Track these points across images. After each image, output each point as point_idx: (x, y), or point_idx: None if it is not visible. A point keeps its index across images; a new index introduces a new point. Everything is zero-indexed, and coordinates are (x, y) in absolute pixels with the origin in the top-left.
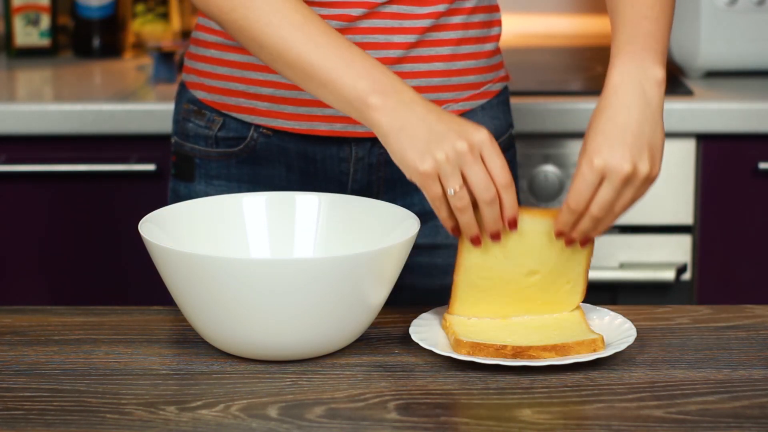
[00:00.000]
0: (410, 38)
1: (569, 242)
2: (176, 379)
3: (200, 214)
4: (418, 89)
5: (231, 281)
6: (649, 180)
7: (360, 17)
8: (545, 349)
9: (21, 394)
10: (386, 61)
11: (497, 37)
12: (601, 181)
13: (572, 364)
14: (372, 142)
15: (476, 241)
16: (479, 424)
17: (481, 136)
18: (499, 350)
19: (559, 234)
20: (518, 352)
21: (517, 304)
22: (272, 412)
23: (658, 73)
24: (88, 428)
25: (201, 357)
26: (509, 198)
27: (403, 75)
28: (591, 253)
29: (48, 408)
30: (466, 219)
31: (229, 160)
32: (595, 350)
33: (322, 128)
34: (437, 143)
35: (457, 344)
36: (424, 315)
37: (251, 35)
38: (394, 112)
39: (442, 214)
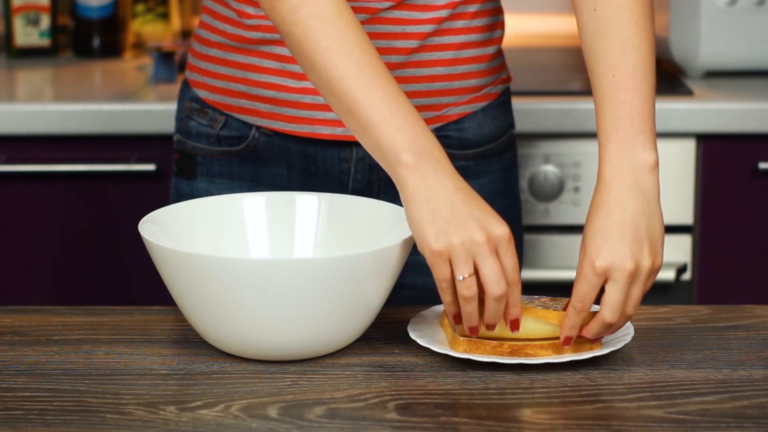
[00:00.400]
0: (412, 43)
1: (566, 341)
2: (176, 379)
3: (200, 214)
4: (418, 94)
5: (231, 281)
6: (653, 272)
7: (362, 23)
8: (542, 347)
9: (21, 394)
10: (388, 66)
11: (500, 40)
12: (604, 282)
13: (572, 364)
14: None
15: (474, 331)
16: (479, 424)
17: (501, 231)
18: (496, 348)
19: (567, 340)
20: (515, 350)
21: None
22: (272, 412)
23: (650, 158)
24: (88, 428)
25: (201, 357)
26: (515, 297)
27: (404, 79)
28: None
29: (48, 408)
30: (470, 309)
31: (231, 159)
32: (591, 349)
33: (323, 132)
34: (456, 227)
35: (454, 342)
36: (422, 313)
37: (307, 54)
38: (423, 178)
39: (446, 297)
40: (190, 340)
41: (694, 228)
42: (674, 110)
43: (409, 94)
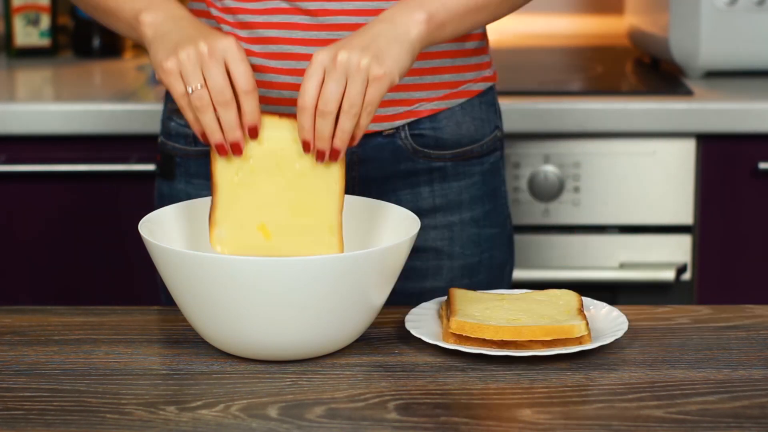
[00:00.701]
0: None
1: (319, 155)
2: (176, 379)
3: (200, 214)
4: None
5: (231, 281)
6: (373, 77)
7: (329, 12)
8: (532, 342)
9: (21, 394)
10: None
11: (480, 36)
12: (324, 77)
13: (572, 364)
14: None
15: (221, 149)
16: (479, 424)
17: (226, 42)
18: (485, 342)
19: (305, 143)
20: (503, 343)
21: (278, 224)
22: (272, 412)
23: (420, 15)
24: (88, 428)
25: (201, 357)
26: (250, 104)
27: None
28: (343, 182)
29: (48, 408)
30: (207, 120)
31: (207, 158)
32: (580, 343)
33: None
34: (183, 45)
35: (445, 334)
36: (424, 304)
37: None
38: (160, 25)
39: (189, 115)
40: (190, 340)
41: (694, 228)
42: (674, 110)
43: None
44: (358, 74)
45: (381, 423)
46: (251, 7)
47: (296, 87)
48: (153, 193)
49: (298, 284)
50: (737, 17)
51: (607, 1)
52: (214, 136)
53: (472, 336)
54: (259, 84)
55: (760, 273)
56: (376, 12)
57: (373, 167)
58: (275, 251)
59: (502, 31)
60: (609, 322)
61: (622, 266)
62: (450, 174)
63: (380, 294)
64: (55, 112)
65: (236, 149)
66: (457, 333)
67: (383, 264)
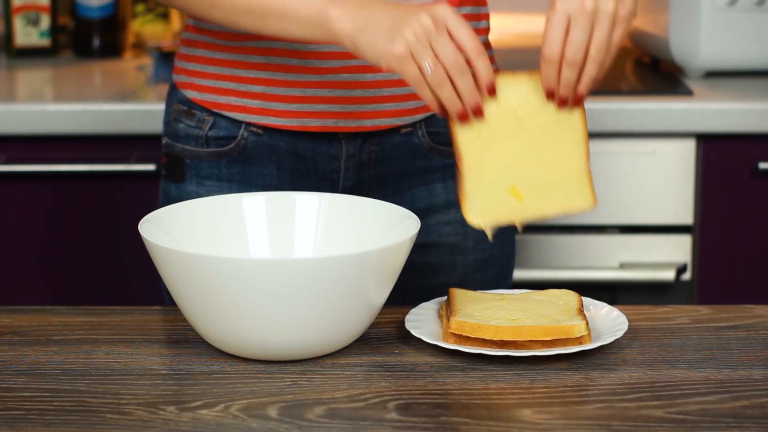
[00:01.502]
0: None
1: (561, 102)
2: (176, 379)
3: (200, 214)
4: (402, 82)
5: (231, 281)
6: (620, 20)
7: None
8: (532, 342)
9: (21, 394)
10: None
11: (485, 31)
12: (569, 25)
13: (572, 364)
14: (363, 140)
15: (463, 117)
16: (479, 424)
17: (442, 8)
18: (485, 342)
19: (548, 92)
20: (504, 343)
21: (529, 183)
22: (272, 412)
23: None
24: (88, 428)
25: (201, 357)
26: (482, 64)
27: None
28: (586, 130)
29: (48, 408)
30: (447, 94)
31: (220, 160)
32: (580, 343)
33: (313, 124)
34: (402, 25)
35: (445, 334)
36: (423, 305)
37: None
38: (355, 16)
39: (425, 94)
40: (190, 340)
41: (694, 228)
42: (674, 110)
43: (397, 83)
44: (606, 18)
45: (381, 423)
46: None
47: (320, 85)
48: (153, 193)
49: (298, 284)
50: (737, 17)
51: None
52: (455, 106)
53: (472, 336)
54: (281, 83)
55: (760, 273)
56: None
57: (391, 165)
58: (529, 212)
59: (502, 31)
60: (609, 322)
61: (622, 266)
62: None
63: (380, 294)
64: (55, 112)
65: (477, 112)
66: (457, 333)
67: (383, 264)
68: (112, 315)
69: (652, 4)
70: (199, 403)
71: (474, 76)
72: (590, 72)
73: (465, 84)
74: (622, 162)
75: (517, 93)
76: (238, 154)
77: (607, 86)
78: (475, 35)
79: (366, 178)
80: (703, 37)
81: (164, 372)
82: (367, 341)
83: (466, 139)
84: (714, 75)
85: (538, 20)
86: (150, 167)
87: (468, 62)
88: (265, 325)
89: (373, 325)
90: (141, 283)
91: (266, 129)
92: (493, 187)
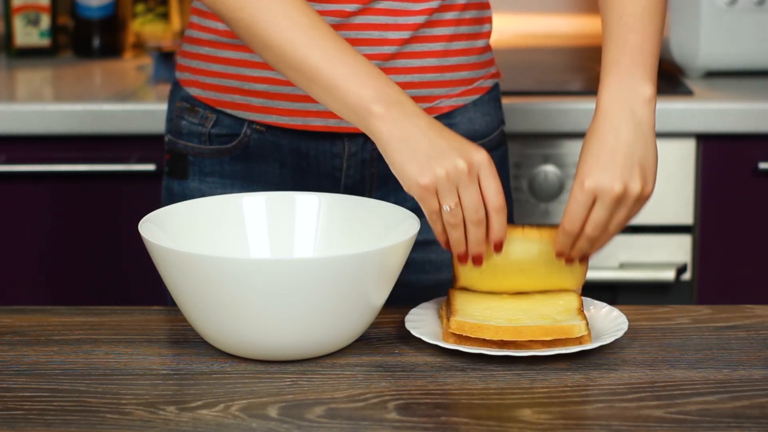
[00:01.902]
0: (404, 34)
1: (568, 261)
2: (176, 379)
3: (200, 214)
4: (411, 85)
5: (231, 281)
6: (642, 198)
7: (354, 13)
8: (532, 342)
9: (21, 394)
10: (380, 57)
11: (488, 34)
12: (593, 202)
13: (572, 364)
14: (365, 138)
15: (462, 258)
16: (479, 424)
17: (480, 157)
18: (485, 342)
19: (559, 254)
20: (504, 344)
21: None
22: (272, 412)
23: (647, 91)
24: (88, 428)
25: (201, 357)
26: (498, 221)
27: (395, 71)
28: (586, 269)
29: (48, 408)
30: (456, 235)
31: (223, 157)
32: (581, 343)
33: (316, 124)
34: (438, 159)
35: (445, 334)
36: (423, 304)
37: (257, 35)
38: (396, 123)
39: (437, 228)
40: (190, 340)
41: (694, 228)
42: (674, 110)
43: (401, 85)
44: (631, 200)
45: (381, 423)
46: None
47: (273, 81)
48: (153, 193)
49: (298, 284)
50: (737, 17)
51: None
52: (459, 248)
53: (472, 336)
54: (285, 82)
55: (760, 273)
56: (366, 1)
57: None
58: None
59: (502, 31)
60: (609, 322)
61: (622, 266)
62: None
63: (380, 294)
64: (55, 112)
65: (477, 260)
66: (457, 333)
67: (383, 264)
68: (112, 315)
69: None
70: (199, 403)
71: (487, 227)
72: (603, 242)
73: (476, 234)
74: None
75: (524, 248)
76: (241, 152)
77: None
78: (501, 192)
79: (368, 176)
80: (703, 37)
81: (164, 372)
82: (367, 341)
83: (466, 267)
84: (714, 75)
85: (538, 20)
86: (150, 167)
87: (486, 215)
88: (265, 325)
89: (373, 325)
90: (141, 283)
91: (269, 127)
92: (482, 310)
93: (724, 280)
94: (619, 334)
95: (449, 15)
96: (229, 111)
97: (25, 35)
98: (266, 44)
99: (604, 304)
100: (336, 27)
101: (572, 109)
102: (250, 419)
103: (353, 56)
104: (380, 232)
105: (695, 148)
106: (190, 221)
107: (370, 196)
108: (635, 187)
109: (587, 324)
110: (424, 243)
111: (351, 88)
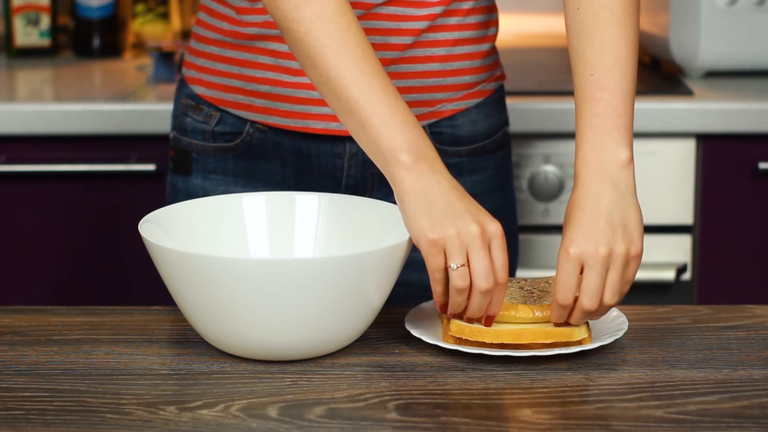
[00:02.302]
0: (407, 39)
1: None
2: (176, 379)
3: (200, 214)
4: (413, 89)
5: (231, 281)
6: (632, 258)
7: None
8: (532, 343)
9: (21, 394)
10: (383, 62)
11: (494, 38)
12: (581, 270)
13: (572, 364)
14: None
15: (445, 312)
16: (479, 424)
17: (495, 227)
18: (486, 343)
19: (557, 326)
20: (503, 344)
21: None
22: (272, 412)
23: (623, 155)
24: (88, 428)
25: (201, 357)
26: (499, 296)
27: (398, 75)
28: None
29: (48, 408)
30: (460, 300)
31: (226, 155)
32: (580, 343)
33: (317, 126)
34: (452, 219)
35: (444, 334)
36: (422, 305)
37: (308, 52)
38: (420, 176)
39: (438, 288)
40: (190, 340)
41: (694, 228)
42: (674, 110)
43: (403, 90)
44: (619, 261)
45: (381, 423)
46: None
47: (276, 82)
48: (153, 193)
49: (298, 284)
50: (737, 17)
51: None
52: (457, 311)
53: (471, 339)
54: (288, 84)
55: (760, 273)
56: (369, 6)
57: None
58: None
59: (503, 31)
60: (609, 322)
61: None
62: (465, 169)
63: (380, 294)
64: (55, 112)
65: (469, 321)
66: (456, 336)
67: (383, 264)
68: (112, 315)
69: (652, 4)
70: (199, 403)
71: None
72: (604, 312)
73: (481, 302)
74: None
75: (518, 322)
76: (244, 150)
77: None
78: (507, 266)
79: (369, 176)
80: (703, 37)
81: (164, 372)
82: (367, 341)
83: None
84: (714, 75)
85: (538, 20)
86: (150, 167)
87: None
88: (265, 325)
89: (373, 325)
90: (141, 283)
91: (271, 126)
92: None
93: (724, 280)
94: (619, 334)
95: (453, 20)
96: (231, 111)
97: (25, 35)
98: (314, 63)
99: None
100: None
101: (572, 109)
102: (250, 419)
103: (395, 99)
104: (380, 232)
105: (695, 148)
106: (190, 221)
107: (371, 195)
108: (620, 248)
109: (588, 326)
110: None
111: (384, 130)
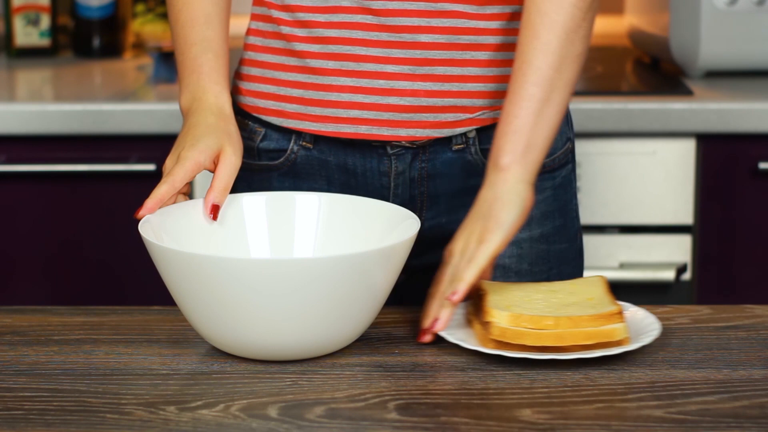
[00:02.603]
0: (440, 38)
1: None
2: (176, 379)
3: (200, 214)
4: (449, 94)
5: (231, 281)
6: (481, 252)
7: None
8: (573, 346)
9: (21, 394)
10: (416, 63)
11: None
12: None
13: (572, 364)
14: (412, 156)
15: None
16: (479, 424)
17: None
18: (525, 347)
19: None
20: (545, 348)
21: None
22: (272, 412)
23: (523, 188)
24: (88, 428)
25: (201, 357)
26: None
27: (433, 78)
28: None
29: (48, 408)
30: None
31: (271, 173)
32: (620, 344)
33: (347, 131)
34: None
35: (483, 339)
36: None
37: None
38: (187, 114)
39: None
40: (190, 340)
41: (694, 228)
42: (674, 110)
43: (440, 94)
44: (465, 256)
45: (381, 423)
46: (312, 4)
47: (355, 90)
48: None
49: (298, 284)
50: (737, 17)
51: (607, 1)
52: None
53: (513, 342)
54: (317, 87)
55: (760, 273)
56: (442, 14)
57: (443, 182)
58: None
59: None
60: (639, 322)
61: (622, 266)
62: None
63: (380, 294)
64: (55, 112)
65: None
66: (498, 340)
67: (383, 264)
68: (112, 315)
69: (652, 4)
70: (199, 403)
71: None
72: (455, 298)
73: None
74: (622, 162)
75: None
76: (288, 168)
77: (607, 86)
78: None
79: (417, 195)
80: (703, 37)
81: (164, 372)
82: (367, 341)
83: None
84: (714, 75)
85: None
86: (150, 167)
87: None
88: (265, 325)
89: (373, 325)
90: (141, 283)
91: (316, 142)
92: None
93: (724, 280)
94: (655, 333)
95: (495, 24)
96: (264, 118)
97: (25, 35)
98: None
99: (628, 304)
100: (371, 26)
101: (572, 109)
102: (250, 419)
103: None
104: (381, 232)
105: (695, 148)
106: (190, 221)
107: (420, 216)
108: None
109: (626, 326)
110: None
111: (186, 64)
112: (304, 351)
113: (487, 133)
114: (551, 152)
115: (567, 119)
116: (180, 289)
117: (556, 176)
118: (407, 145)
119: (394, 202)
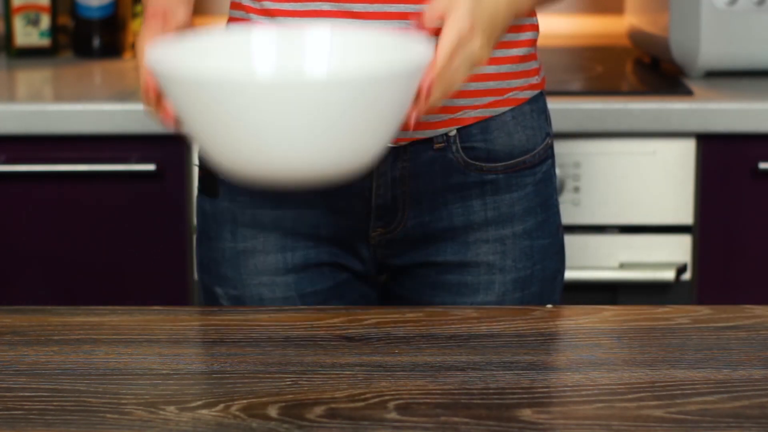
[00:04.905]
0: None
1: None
2: (176, 379)
3: (207, 47)
4: None
5: (249, 105)
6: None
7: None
8: None
9: (21, 394)
10: None
11: (529, 42)
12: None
13: (572, 364)
14: (393, 156)
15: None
16: (479, 424)
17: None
18: None
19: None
20: None
21: None
22: (272, 412)
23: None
24: (88, 428)
25: (201, 357)
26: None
27: None
28: None
29: (48, 408)
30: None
31: None
32: None
33: None
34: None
35: None
36: None
37: None
38: None
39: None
40: (190, 340)
41: (694, 228)
42: (674, 110)
43: None
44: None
45: (381, 423)
46: (292, 8)
47: None
48: (153, 193)
49: (315, 105)
50: (737, 17)
51: (607, 1)
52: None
53: None
54: None
55: (760, 273)
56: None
57: (424, 182)
58: None
59: None
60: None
61: (622, 266)
62: (502, 186)
63: (394, 117)
64: (55, 112)
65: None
66: None
67: (395, 87)
68: (112, 315)
69: (652, 4)
70: (199, 403)
71: None
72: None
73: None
74: (622, 162)
75: None
76: None
77: (607, 86)
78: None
79: (399, 195)
80: (703, 37)
81: (164, 372)
82: (367, 341)
83: None
84: (714, 75)
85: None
86: (150, 167)
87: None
88: (287, 144)
89: (374, 325)
90: (141, 283)
91: None
92: None
93: (724, 280)
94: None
95: None
96: None
97: (25, 35)
98: None
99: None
100: (334, 13)
101: (572, 109)
102: (250, 419)
103: None
104: (393, 62)
105: (695, 148)
106: (197, 55)
107: (402, 215)
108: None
109: None
110: (459, 265)
111: None
112: (321, 172)
113: (468, 131)
114: (531, 148)
115: (546, 116)
116: (197, 118)
117: (537, 172)
118: (389, 145)
119: (376, 202)
